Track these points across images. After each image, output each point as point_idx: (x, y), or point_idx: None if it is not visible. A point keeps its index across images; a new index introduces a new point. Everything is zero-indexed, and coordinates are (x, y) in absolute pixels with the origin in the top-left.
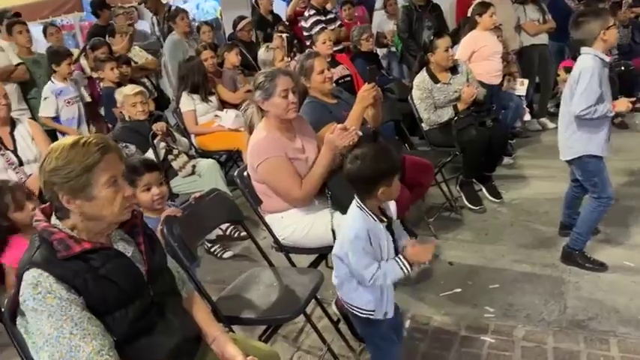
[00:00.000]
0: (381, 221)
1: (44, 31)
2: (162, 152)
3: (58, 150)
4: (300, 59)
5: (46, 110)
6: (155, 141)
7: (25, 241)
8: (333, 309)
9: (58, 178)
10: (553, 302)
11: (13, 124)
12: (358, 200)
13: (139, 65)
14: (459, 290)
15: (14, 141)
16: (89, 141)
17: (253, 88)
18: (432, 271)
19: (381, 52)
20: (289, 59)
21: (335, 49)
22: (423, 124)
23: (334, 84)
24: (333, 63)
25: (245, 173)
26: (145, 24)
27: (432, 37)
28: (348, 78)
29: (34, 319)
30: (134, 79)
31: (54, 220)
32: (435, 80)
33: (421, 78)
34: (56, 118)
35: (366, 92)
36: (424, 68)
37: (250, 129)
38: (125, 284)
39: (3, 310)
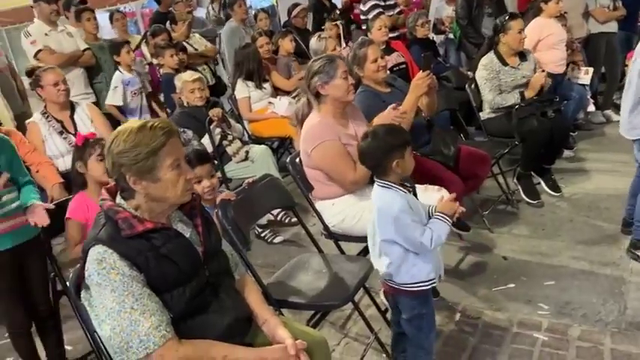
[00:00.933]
0: (409, 191)
1: (110, 18)
2: (217, 138)
3: (126, 133)
4: (354, 47)
5: (113, 99)
6: (211, 126)
7: (85, 196)
8: (381, 298)
9: (126, 160)
10: (612, 302)
11: (72, 108)
12: (380, 180)
13: (199, 52)
14: (512, 285)
15: (74, 124)
16: (155, 125)
17: (308, 75)
18: (485, 265)
19: (438, 39)
20: (343, 47)
21: (391, 35)
22: (481, 113)
23: (388, 72)
24: (388, 50)
25: (297, 159)
26: (203, 11)
27: (505, 18)
28: (403, 65)
29: (97, 293)
30: (192, 66)
31: (119, 199)
32: (504, 63)
33: (489, 58)
34: (120, 108)
35: (420, 80)
36: (492, 50)
37: (301, 121)
38: (184, 264)
39: (68, 284)
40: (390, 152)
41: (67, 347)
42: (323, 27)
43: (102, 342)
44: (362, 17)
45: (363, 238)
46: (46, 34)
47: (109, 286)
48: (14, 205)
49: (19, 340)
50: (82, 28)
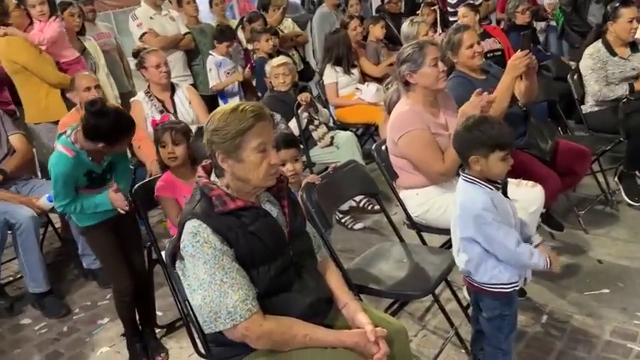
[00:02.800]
0: (497, 189)
1: (210, 2)
2: (304, 122)
3: (220, 113)
4: (449, 33)
5: (212, 81)
6: (299, 111)
7: (170, 175)
8: (464, 294)
9: (217, 138)
10: None
11: (172, 89)
12: (465, 175)
13: (290, 35)
14: (606, 291)
15: (174, 105)
16: (246, 108)
17: (398, 63)
18: (577, 267)
19: (538, 26)
20: (438, 33)
21: (485, 23)
22: (582, 106)
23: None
24: (484, 35)
25: (383, 147)
26: None
27: (616, 5)
28: (499, 52)
29: (191, 264)
30: (283, 51)
31: (213, 177)
32: (612, 53)
33: (595, 48)
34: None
35: (518, 60)
36: (599, 39)
37: (389, 108)
38: (270, 242)
39: (163, 253)
40: (472, 146)
41: (158, 313)
42: (417, 12)
43: (192, 310)
44: (450, 10)
45: (446, 231)
46: (151, 18)
47: (201, 258)
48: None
49: (122, 302)
50: (183, 13)
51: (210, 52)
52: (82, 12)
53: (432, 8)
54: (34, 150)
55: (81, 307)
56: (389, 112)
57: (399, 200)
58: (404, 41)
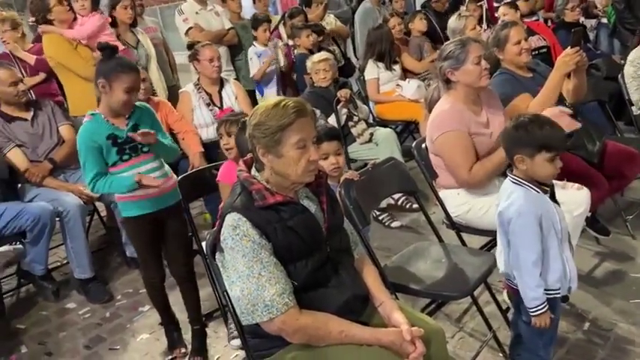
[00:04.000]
0: (544, 192)
1: None
2: (343, 118)
3: (263, 108)
4: (496, 29)
5: (252, 70)
6: (338, 107)
7: (233, 164)
8: (503, 297)
9: (258, 133)
10: None
11: (221, 83)
12: (512, 175)
13: (329, 30)
14: None
15: (221, 98)
16: (288, 104)
17: (440, 59)
18: (623, 274)
19: (588, 23)
20: (484, 30)
21: (531, 19)
22: (633, 107)
23: None
24: (528, 32)
25: (423, 145)
26: None
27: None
28: (544, 50)
29: (230, 256)
30: (324, 46)
31: (253, 171)
32: None
33: (638, 53)
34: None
35: (568, 57)
36: None
37: (430, 106)
38: (308, 237)
39: (203, 244)
40: (518, 144)
41: None
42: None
43: (230, 301)
44: (495, 5)
45: (487, 232)
46: (196, 13)
47: (240, 251)
48: (155, 174)
49: (152, 290)
50: (227, 9)
51: (254, 42)
52: (134, 4)
53: (479, 4)
54: None
55: (123, 294)
56: (429, 110)
57: (439, 199)
58: (451, 36)
